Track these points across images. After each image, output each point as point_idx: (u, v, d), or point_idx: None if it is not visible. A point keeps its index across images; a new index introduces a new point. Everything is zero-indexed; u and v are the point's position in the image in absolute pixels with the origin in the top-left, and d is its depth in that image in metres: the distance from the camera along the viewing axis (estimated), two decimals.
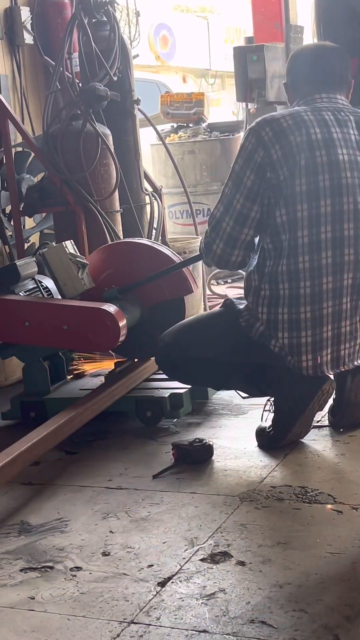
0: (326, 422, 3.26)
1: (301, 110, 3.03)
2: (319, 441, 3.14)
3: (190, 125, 7.25)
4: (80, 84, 4.65)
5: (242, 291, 4.93)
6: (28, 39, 5.35)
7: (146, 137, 6.07)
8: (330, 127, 3.00)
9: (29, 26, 5.34)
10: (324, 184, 2.94)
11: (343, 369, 3.05)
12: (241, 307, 3.15)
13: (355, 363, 3.07)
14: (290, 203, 2.93)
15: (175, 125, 7.32)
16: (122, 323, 3.37)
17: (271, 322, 3.01)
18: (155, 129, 5.60)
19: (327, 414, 3.26)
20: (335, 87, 3.12)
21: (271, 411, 3.15)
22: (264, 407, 3.21)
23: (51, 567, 2.38)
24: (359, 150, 3.01)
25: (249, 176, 2.97)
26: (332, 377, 3.08)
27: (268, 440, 3.11)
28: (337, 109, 3.05)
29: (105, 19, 4.73)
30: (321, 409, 3.14)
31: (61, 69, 4.66)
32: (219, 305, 3.40)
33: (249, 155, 2.98)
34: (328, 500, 2.64)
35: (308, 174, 2.93)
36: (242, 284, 6.17)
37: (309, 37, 4.72)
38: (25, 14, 5.32)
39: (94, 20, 4.69)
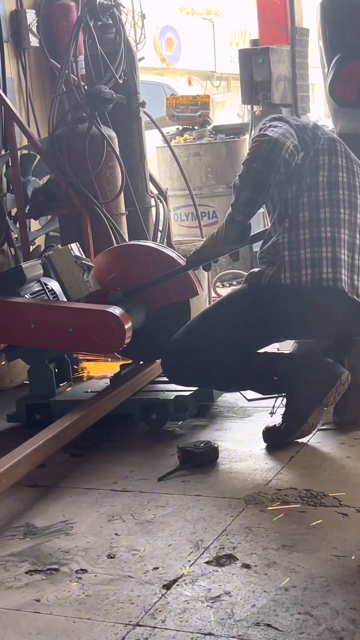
0: (330, 425, 3.26)
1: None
2: (324, 444, 3.14)
3: (196, 127, 7.25)
4: (86, 87, 4.65)
5: None
6: (34, 41, 5.36)
7: (151, 140, 6.07)
8: None
9: (34, 29, 5.35)
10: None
11: (356, 298, 3.11)
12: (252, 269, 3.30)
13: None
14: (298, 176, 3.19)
15: (180, 127, 7.32)
16: (128, 325, 3.37)
17: (292, 243, 3.11)
18: (161, 132, 5.61)
19: (332, 416, 3.26)
20: None
21: (282, 405, 3.16)
22: (272, 410, 3.21)
23: (56, 570, 2.38)
24: None
25: (277, 124, 3.18)
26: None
27: (279, 434, 3.12)
28: None
29: (111, 22, 4.74)
30: (335, 402, 3.15)
31: (67, 71, 4.67)
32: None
33: (270, 125, 3.18)
34: (333, 503, 2.63)
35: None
36: None
37: (314, 40, 4.72)
38: (31, 16, 5.33)
39: (99, 23, 4.70)
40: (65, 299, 3.65)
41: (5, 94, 4.88)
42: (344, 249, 3.10)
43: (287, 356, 3.21)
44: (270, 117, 3.28)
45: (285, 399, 3.15)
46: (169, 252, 3.76)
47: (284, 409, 3.15)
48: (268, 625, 2.01)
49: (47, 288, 3.73)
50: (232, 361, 3.20)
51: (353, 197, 3.22)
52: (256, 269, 3.24)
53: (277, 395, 3.22)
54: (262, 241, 3.26)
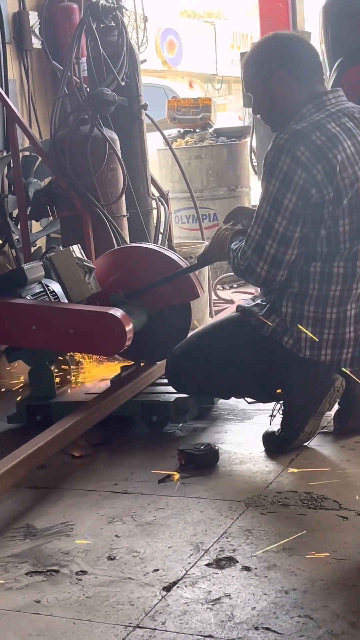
0: (331, 429, 3.26)
1: (323, 121, 2.92)
2: (324, 447, 3.14)
3: (197, 130, 7.25)
4: (88, 89, 4.66)
5: (247, 296, 4.92)
6: (36, 43, 5.36)
7: (153, 142, 6.07)
8: (357, 136, 2.96)
9: (37, 31, 5.35)
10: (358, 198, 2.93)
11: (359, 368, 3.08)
12: (250, 305, 3.17)
13: None
14: (334, 219, 2.91)
15: (182, 130, 7.33)
16: (129, 327, 3.37)
17: (295, 317, 3.00)
18: (162, 134, 5.61)
19: (332, 421, 3.27)
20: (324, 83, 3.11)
21: (280, 413, 3.15)
22: (272, 413, 3.20)
23: (57, 571, 2.38)
24: None
25: (291, 198, 2.86)
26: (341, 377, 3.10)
27: (278, 443, 3.11)
28: (348, 112, 2.99)
29: (114, 24, 4.74)
30: (330, 409, 3.15)
31: (69, 73, 4.67)
32: (232, 312, 3.39)
33: (286, 176, 2.86)
34: (334, 507, 2.63)
35: (351, 191, 2.91)
36: (247, 289, 6.17)
37: (317, 43, 4.73)
38: (33, 18, 5.33)
39: (102, 26, 4.70)
40: (66, 301, 3.65)
41: (7, 96, 4.89)
42: (349, 326, 3.03)
43: (282, 367, 3.12)
44: (284, 141, 2.88)
45: (283, 407, 3.15)
46: (170, 254, 3.77)
47: (282, 415, 3.15)
48: (268, 628, 2.02)
49: (49, 289, 3.73)
50: (232, 378, 3.20)
51: None
52: (253, 305, 3.16)
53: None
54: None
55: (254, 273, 2.98)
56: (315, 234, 2.92)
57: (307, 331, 2.96)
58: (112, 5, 4.78)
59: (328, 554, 2.34)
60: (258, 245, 2.94)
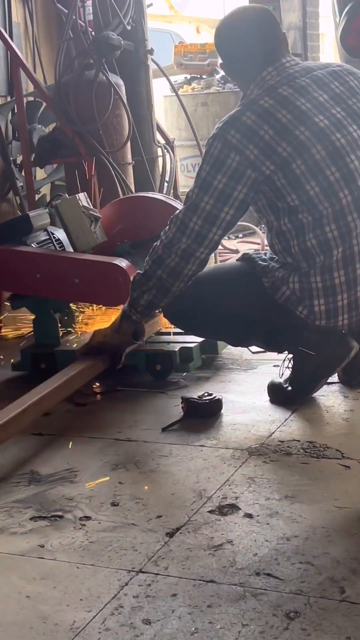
0: (336, 379, 3.26)
1: (264, 94, 2.94)
2: (328, 397, 3.16)
3: (204, 76, 7.20)
4: (93, 33, 4.61)
5: (253, 246, 4.91)
6: None
7: (159, 88, 6.03)
8: (313, 92, 2.95)
9: None
10: (320, 154, 2.89)
11: None
12: (263, 263, 3.10)
13: None
14: (298, 185, 2.88)
15: (188, 76, 7.27)
16: None
17: (305, 291, 2.95)
18: (169, 80, 5.58)
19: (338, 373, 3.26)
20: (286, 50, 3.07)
21: (289, 368, 3.15)
22: (282, 364, 3.19)
23: (60, 516, 2.40)
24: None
25: (221, 179, 2.90)
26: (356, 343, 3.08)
27: (284, 398, 3.11)
28: (308, 70, 3.01)
29: None
30: (340, 371, 3.17)
31: (74, 17, 4.63)
32: (237, 259, 3.33)
33: (217, 160, 2.91)
34: (336, 456, 2.65)
35: (302, 155, 2.88)
36: (253, 239, 6.15)
37: None
38: None
39: None
40: (72, 250, 3.65)
41: (12, 40, 4.84)
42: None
43: (295, 331, 3.07)
44: (219, 132, 2.94)
45: (293, 364, 3.13)
46: (176, 204, 3.75)
47: (291, 371, 3.14)
48: (269, 574, 2.04)
49: (54, 237, 3.73)
50: (242, 330, 3.17)
51: None
52: (262, 262, 3.11)
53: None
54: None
55: (174, 246, 2.98)
56: (286, 203, 2.91)
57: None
58: None
59: (330, 502, 2.36)
60: (182, 222, 2.97)
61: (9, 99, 5.03)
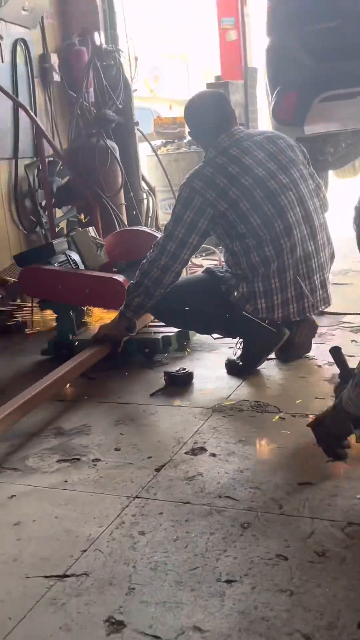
0: (274, 356, 3.26)
1: (218, 158, 2.92)
2: (269, 369, 3.15)
3: (175, 141, 7.16)
4: (95, 111, 4.59)
5: (213, 262, 4.88)
6: (56, 77, 5.26)
7: (143, 150, 6.00)
8: (258, 150, 2.94)
9: (57, 67, 5.24)
10: (259, 196, 2.87)
11: (309, 314, 3.04)
12: (220, 274, 3.10)
13: (315, 312, 3.05)
14: (243, 219, 2.88)
15: (164, 140, 7.24)
16: None
17: (251, 293, 2.94)
18: (150, 144, 5.55)
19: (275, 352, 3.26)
20: (234, 122, 3.04)
21: (239, 348, 3.14)
22: (235, 346, 3.18)
23: (78, 459, 2.40)
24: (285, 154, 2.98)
25: (189, 215, 2.89)
26: (287, 330, 3.07)
27: (237, 370, 3.10)
28: (248, 136, 3.00)
29: (113, 63, 4.67)
30: (277, 350, 3.16)
31: (81, 99, 4.60)
32: (202, 271, 3.33)
33: (187, 201, 2.89)
34: (274, 410, 2.66)
35: (245, 197, 2.87)
36: (212, 257, 6.12)
37: (261, 76, 4.66)
38: (54, 58, 5.23)
39: (104, 64, 4.62)
40: (84, 268, 3.63)
41: (36, 115, 4.81)
42: (289, 288, 2.94)
43: (244, 323, 3.05)
44: (185, 179, 2.93)
45: (243, 346, 3.13)
46: (157, 234, 3.73)
47: (241, 351, 3.13)
48: (228, 496, 2.05)
49: (71, 259, 3.70)
50: (206, 322, 3.16)
51: (302, 195, 2.95)
52: (219, 273, 3.09)
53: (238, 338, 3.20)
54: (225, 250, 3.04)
55: (156, 263, 2.96)
56: (236, 231, 2.89)
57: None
58: (111, 48, 4.69)
59: (271, 444, 2.37)
60: (162, 246, 2.96)
61: (35, 159, 4.99)
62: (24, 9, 4.73)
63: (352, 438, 2.08)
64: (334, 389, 2.24)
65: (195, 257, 6.31)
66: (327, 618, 1.52)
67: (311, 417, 2.29)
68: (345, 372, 2.12)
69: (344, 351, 2.16)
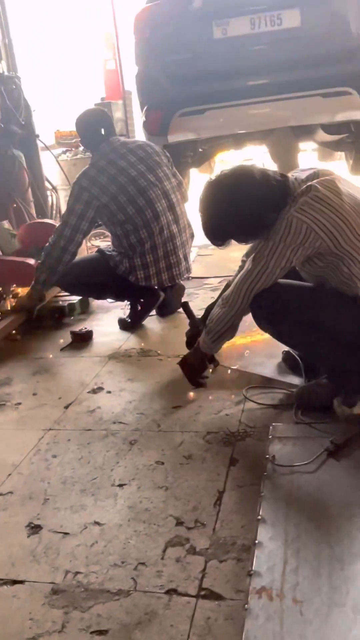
0: (154, 313, 3.26)
1: (101, 161, 2.86)
2: (150, 324, 3.14)
3: (73, 149, 6.91)
4: (2, 126, 4.33)
5: (104, 243, 4.77)
6: None
7: (49, 157, 5.75)
8: (128, 157, 2.89)
9: None
10: (133, 191, 2.83)
11: (177, 281, 3.02)
12: (109, 253, 3.03)
13: (182, 279, 3.05)
14: (122, 209, 2.83)
15: (64, 149, 6.97)
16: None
17: (132, 267, 2.90)
18: (51, 152, 5.32)
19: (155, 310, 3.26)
20: (113, 132, 2.99)
21: (128, 309, 3.12)
22: (125, 307, 3.14)
23: (4, 404, 2.33)
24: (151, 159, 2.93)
25: (78, 206, 2.82)
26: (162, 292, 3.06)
27: (127, 326, 3.06)
28: (123, 146, 2.93)
29: (14, 87, 4.40)
30: (155, 308, 3.15)
31: None
32: (94, 251, 3.26)
33: (77, 196, 2.81)
34: (155, 354, 2.67)
35: (121, 193, 2.82)
36: (106, 240, 6.01)
37: (135, 98, 4.57)
38: None
39: (8, 88, 4.34)
40: (1, 254, 3.46)
41: None
42: (161, 261, 2.90)
43: (130, 287, 2.98)
44: (76, 178, 2.84)
45: (130, 306, 3.08)
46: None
47: (129, 311, 3.09)
48: (121, 422, 2.07)
49: None
50: (99, 288, 3.08)
51: (160, 183, 2.89)
52: (108, 252, 3.00)
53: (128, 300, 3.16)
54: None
55: (56, 245, 2.88)
56: (117, 219, 2.85)
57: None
58: (12, 75, 4.42)
59: (153, 380, 2.39)
60: (60, 232, 2.87)
61: None
62: None
63: (208, 371, 2.14)
64: (185, 332, 2.28)
65: (96, 239, 6.19)
66: (192, 503, 1.57)
67: (180, 357, 2.33)
68: (193, 321, 2.17)
69: (204, 305, 2.20)
